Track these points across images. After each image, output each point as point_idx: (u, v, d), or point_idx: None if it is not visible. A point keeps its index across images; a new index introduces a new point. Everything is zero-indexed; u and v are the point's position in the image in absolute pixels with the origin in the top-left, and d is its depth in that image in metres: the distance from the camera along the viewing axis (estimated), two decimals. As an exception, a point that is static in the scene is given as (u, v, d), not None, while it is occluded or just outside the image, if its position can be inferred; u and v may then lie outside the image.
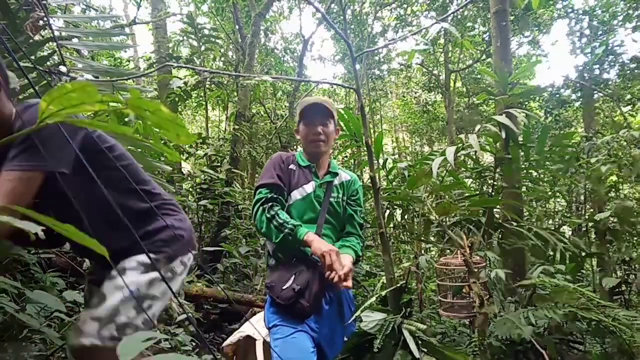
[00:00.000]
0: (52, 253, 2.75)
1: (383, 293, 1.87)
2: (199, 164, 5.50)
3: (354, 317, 1.66)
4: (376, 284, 3.17)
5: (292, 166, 1.79)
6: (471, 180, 3.61)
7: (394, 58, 11.66)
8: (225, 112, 8.29)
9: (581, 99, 8.90)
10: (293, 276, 1.58)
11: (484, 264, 2.05)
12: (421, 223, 3.17)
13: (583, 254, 2.91)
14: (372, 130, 10.49)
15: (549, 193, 4.65)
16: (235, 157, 5.89)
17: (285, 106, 9.49)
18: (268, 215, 1.61)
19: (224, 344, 2.25)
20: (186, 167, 6.08)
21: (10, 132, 1.16)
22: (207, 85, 6.24)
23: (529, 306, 2.26)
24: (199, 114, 12.05)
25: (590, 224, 3.68)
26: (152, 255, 1.33)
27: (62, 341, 1.92)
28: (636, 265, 3.67)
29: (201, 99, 6.99)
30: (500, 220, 2.98)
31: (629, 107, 8.47)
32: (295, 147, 7.92)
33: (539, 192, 3.81)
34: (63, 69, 2.14)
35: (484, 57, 9.77)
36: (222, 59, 8.26)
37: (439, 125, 12.67)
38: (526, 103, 8.81)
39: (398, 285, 1.83)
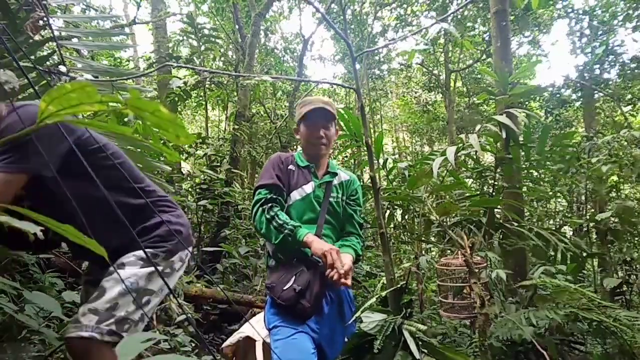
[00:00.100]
0: (51, 253, 2.74)
1: (383, 293, 1.86)
2: (198, 164, 5.49)
3: (354, 317, 1.66)
4: (376, 285, 3.17)
5: (291, 167, 1.78)
6: (472, 180, 3.62)
7: (394, 58, 11.67)
8: (225, 112, 8.29)
9: (582, 99, 8.90)
10: (294, 277, 1.58)
11: (485, 264, 2.04)
12: (421, 223, 3.16)
13: (584, 254, 2.90)
14: (372, 130, 10.48)
15: (550, 193, 4.65)
16: (235, 157, 5.89)
17: (285, 106, 9.48)
18: (268, 216, 1.61)
19: (223, 345, 2.24)
20: (186, 167, 6.07)
21: None
22: (206, 85, 6.23)
23: (530, 307, 2.26)
24: (198, 114, 12.04)
25: (591, 224, 3.68)
26: (150, 251, 1.33)
27: (60, 342, 1.91)
28: (637, 266, 3.66)
29: (201, 98, 6.99)
30: (501, 221, 2.97)
31: (630, 107, 8.47)
32: (295, 147, 7.91)
33: (539, 192, 3.80)
34: (63, 68, 2.13)
35: (484, 57, 9.77)
36: (222, 58, 8.25)
37: (439, 125, 12.67)
38: (527, 103, 8.82)
39: (398, 285, 1.82)
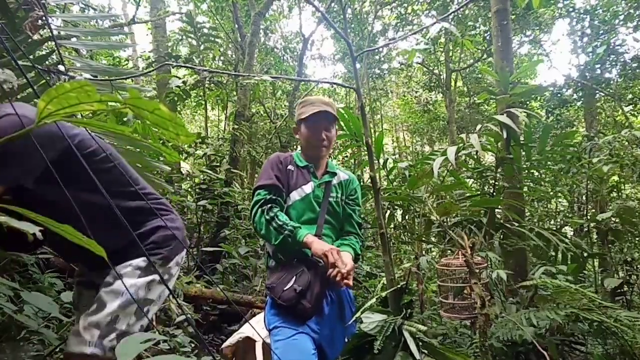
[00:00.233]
0: (50, 254, 2.74)
1: (383, 294, 1.85)
2: (198, 164, 5.49)
3: (354, 318, 1.65)
4: (376, 285, 3.16)
5: (290, 167, 1.77)
6: (472, 180, 3.61)
7: (395, 57, 11.66)
8: (225, 111, 8.28)
9: (583, 99, 8.89)
10: (294, 277, 1.57)
11: (485, 264, 2.04)
12: (422, 223, 3.16)
13: (585, 254, 2.90)
14: (372, 130, 10.49)
15: (551, 193, 4.64)
16: (235, 157, 5.87)
17: (284, 106, 9.47)
18: (267, 217, 1.60)
19: (223, 345, 2.24)
20: (185, 167, 6.06)
21: None
22: (206, 85, 6.23)
23: (531, 307, 2.26)
24: (198, 114, 12.04)
25: (592, 225, 3.67)
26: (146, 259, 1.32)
27: (59, 342, 1.91)
28: (638, 266, 3.66)
29: (200, 98, 6.98)
30: (501, 221, 2.97)
31: (631, 107, 8.46)
32: (295, 146, 7.91)
33: (540, 192, 3.80)
34: (62, 68, 2.13)
35: (485, 56, 9.76)
36: (222, 58, 8.24)
37: (439, 124, 12.67)
38: (527, 102, 8.80)
39: (398, 286, 1.81)
